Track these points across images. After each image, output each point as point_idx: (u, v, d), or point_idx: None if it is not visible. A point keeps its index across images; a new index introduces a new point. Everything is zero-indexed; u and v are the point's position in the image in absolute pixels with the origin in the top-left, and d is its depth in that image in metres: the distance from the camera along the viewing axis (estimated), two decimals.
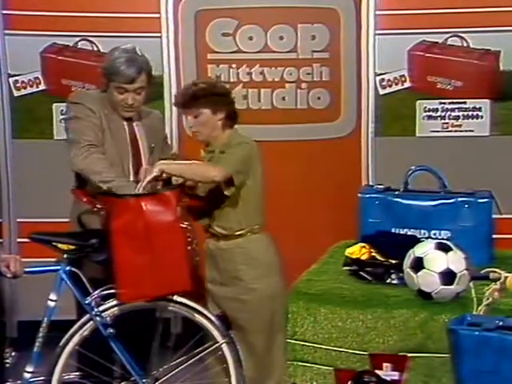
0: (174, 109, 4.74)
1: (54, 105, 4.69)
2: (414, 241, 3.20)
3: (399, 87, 4.76)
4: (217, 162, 3.36)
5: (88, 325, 3.26)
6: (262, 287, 3.39)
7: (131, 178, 3.45)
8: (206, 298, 3.49)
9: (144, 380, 3.30)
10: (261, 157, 3.48)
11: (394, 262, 3.16)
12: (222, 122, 3.47)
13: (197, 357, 3.31)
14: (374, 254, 3.25)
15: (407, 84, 4.76)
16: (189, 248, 3.23)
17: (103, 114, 3.46)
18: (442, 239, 3.29)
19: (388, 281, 3.14)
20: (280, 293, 3.37)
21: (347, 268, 3.28)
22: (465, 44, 4.69)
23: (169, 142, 3.96)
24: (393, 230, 3.49)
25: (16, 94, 4.76)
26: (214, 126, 3.46)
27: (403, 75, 4.75)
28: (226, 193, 3.34)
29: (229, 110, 3.49)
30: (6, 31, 4.68)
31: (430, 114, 4.78)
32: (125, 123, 3.52)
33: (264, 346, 3.39)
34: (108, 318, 3.25)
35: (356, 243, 3.38)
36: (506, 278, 2.92)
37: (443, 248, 2.92)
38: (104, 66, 3.48)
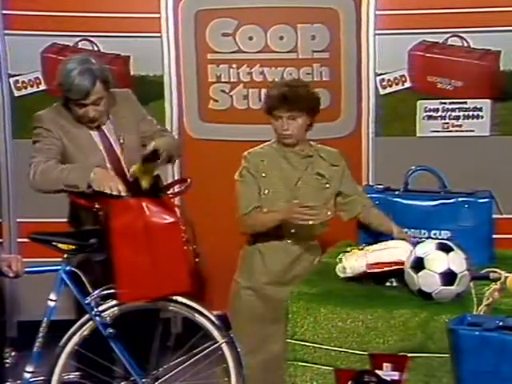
0: (175, 109, 4.75)
1: (54, 105, 4.68)
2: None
3: (399, 87, 4.76)
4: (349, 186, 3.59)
5: (88, 325, 3.26)
6: None
7: None
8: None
9: (144, 380, 3.30)
10: None
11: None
12: (307, 126, 3.51)
13: (197, 357, 3.31)
14: None
15: (407, 84, 4.76)
16: (188, 248, 3.23)
17: (63, 131, 3.43)
18: (442, 239, 3.28)
19: (388, 284, 3.13)
20: None
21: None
22: (465, 44, 4.69)
23: (149, 118, 3.73)
24: None
25: (16, 93, 4.76)
26: (304, 129, 3.52)
27: (403, 75, 4.75)
28: None
29: (315, 116, 3.55)
30: (6, 31, 4.68)
31: (431, 114, 4.78)
32: (93, 133, 3.48)
33: None
34: (108, 318, 3.25)
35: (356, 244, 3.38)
36: (506, 277, 2.93)
37: (444, 248, 2.92)
38: (58, 82, 3.41)
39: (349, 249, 3.28)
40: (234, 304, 3.61)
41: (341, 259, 3.16)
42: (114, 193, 3.14)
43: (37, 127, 3.47)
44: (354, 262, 3.09)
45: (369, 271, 3.06)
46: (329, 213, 3.53)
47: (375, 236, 3.44)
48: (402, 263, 3.00)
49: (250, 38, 4.72)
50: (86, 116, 3.40)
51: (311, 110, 3.50)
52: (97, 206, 3.22)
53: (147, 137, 3.55)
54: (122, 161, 3.49)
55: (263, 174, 3.51)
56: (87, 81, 3.33)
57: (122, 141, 3.49)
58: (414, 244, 3.10)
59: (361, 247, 3.27)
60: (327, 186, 3.55)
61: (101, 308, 3.25)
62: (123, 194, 3.16)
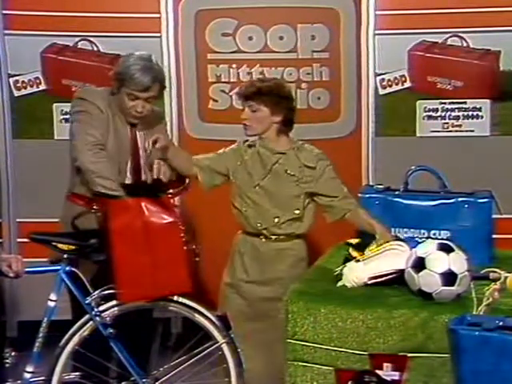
0: (175, 109, 4.75)
1: (54, 105, 4.69)
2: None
3: (399, 87, 4.76)
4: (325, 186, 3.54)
5: (88, 325, 3.26)
6: None
7: (127, 180, 3.46)
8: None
9: (144, 380, 3.30)
10: None
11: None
12: (277, 125, 3.52)
13: (197, 357, 3.31)
14: None
15: (407, 84, 4.76)
16: (188, 248, 3.23)
17: (110, 113, 3.46)
18: (442, 239, 3.28)
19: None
20: None
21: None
22: (465, 44, 4.69)
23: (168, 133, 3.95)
24: (392, 230, 3.48)
25: (16, 93, 4.76)
26: (268, 126, 3.52)
27: (403, 75, 4.75)
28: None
29: (287, 114, 3.53)
30: (6, 31, 4.68)
31: (430, 113, 4.78)
32: (128, 127, 3.52)
33: None
34: (108, 318, 3.25)
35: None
36: (506, 277, 2.93)
37: (445, 249, 2.92)
38: (117, 71, 3.45)
39: (349, 249, 3.28)
40: (221, 302, 3.65)
41: (341, 274, 3.15)
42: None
43: (86, 99, 3.47)
44: (355, 278, 3.09)
45: (369, 283, 3.07)
46: (296, 211, 3.54)
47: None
48: (402, 271, 3.00)
49: (250, 38, 4.72)
50: (134, 109, 3.42)
51: (274, 105, 3.49)
52: (95, 206, 3.23)
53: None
54: (142, 166, 3.52)
55: (238, 163, 3.60)
56: (148, 78, 3.39)
57: (149, 152, 3.53)
58: (408, 243, 3.12)
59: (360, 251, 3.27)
60: (296, 184, 3.54)
61: (101, 308, 3.25)
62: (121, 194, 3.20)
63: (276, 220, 3.53)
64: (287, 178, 3.54)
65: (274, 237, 3.56)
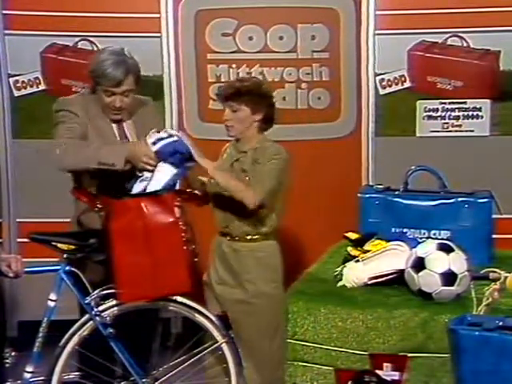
0: (174, 109, 4.75)
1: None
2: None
3: (399, 87, 4.76)
4: (253, 177, 3.40)
5: (88, 325, 3.26)
6: (271, 291, 3.39)
7: None
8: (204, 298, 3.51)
9: (144, 380, 3.30)
10: (291, 166, 3.49)
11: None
12: (258, 123, 3.51)
13: (197, 357, 3.31)
14: None
15: (407, 84, 4.76)
16: (187, 248, 3.23)
17: (88, 116, 3.45)
18: (442, 239, 3.29)
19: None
20: (283, 297, 3.37)
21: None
22: (465, 44, 4.69)
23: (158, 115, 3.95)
24: (392, 230, 3.49)
25: (16, 93, 4.76)
26: (250, 125, 3.51)
27: (403, 75, 4.74)
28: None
29: (267, 112, 3.52)
30: (6, 31, 4.67)
31: (430, 113, 4.78)
32: (114, 125, 3.51)
33: (267, 349, 3.37)
34: (108, 318, 3.25)
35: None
36: (506, 277, 2.93)
37: (445, 249, 2.92)
38: (91, 69, 3.45)
39: (348, 248, 3.29)
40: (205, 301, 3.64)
41: (340, 274, 3.15)
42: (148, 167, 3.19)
43: (62, 110, 3.47)
44: (355, 278, 3.09)
45: (370, 283, 3.07)
46: (250, 209, 3.44)
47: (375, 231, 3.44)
48: (402, 271, 3.01)
49: (250, 38, 4.72)
50: (113, 105, 3.42)
51: (254, 104, 3.48)
52: (99, 205, 3.23)
53: None
54: None
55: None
56: (120, 71, 3.37)
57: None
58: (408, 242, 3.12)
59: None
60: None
61: (101, 308, 3.25)
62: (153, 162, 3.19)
63: (232, 217, 3.51)
64: (241, 176, 3.51)
65: (237, 237, 3.53)
